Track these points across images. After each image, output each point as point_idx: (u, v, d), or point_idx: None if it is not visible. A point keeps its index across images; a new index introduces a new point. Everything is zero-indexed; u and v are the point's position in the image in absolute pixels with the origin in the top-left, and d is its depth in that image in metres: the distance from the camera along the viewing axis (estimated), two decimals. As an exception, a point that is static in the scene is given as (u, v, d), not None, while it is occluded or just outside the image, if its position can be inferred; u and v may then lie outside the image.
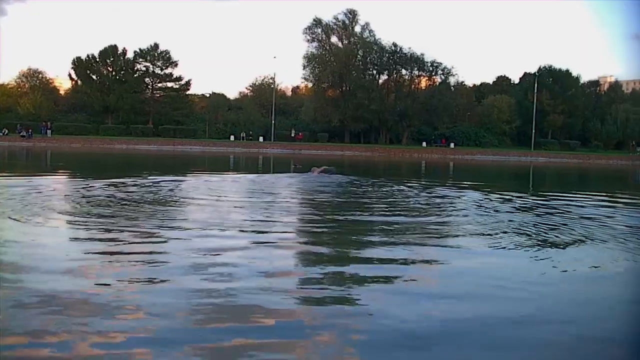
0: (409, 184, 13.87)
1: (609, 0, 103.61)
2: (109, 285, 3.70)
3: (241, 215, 7.30)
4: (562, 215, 8.04)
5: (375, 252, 5.16)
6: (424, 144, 62.48)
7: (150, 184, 11.52)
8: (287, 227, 6.63)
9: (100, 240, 5.40)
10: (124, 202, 8.05)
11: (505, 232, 6.31)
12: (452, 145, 62.97)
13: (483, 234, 6.18)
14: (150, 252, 4.82)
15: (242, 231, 5.96)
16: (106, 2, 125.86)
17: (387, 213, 8.00)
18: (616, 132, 69.20)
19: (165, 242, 5.27)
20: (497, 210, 8.51)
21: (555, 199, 11.17)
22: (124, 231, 5.73)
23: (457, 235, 6.15)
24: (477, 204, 9.33)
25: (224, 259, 4.49)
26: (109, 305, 3.23)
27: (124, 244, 5.13)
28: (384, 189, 12.18)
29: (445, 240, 5.92)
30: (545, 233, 6.30)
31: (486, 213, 8.09)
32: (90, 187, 10.29)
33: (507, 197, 11.36)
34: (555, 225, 6.90)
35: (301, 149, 53.22)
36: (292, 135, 63.20)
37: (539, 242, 5.73)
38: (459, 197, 10.70)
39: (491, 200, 10.22)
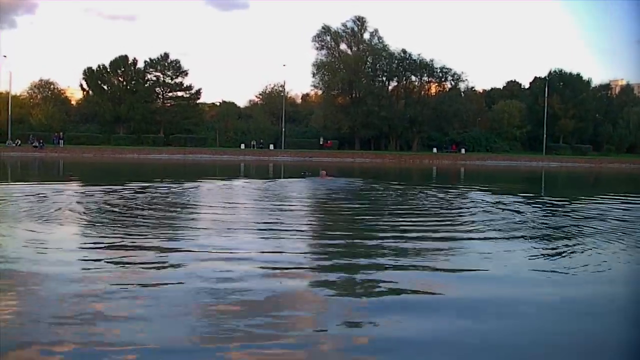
0: (432, 189, 13.71)
1: (618, 4, 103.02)
2: (114, 297, 3.62)
3: (253, 220, 7.20)
4: (601, 220, 7.88)
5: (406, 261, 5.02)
6: (435, 150, 62.10)
7: (162, 190, 11.53)
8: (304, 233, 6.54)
9: (111, 249, 5.22)
10: (135, 209, 8.04)
11: (545, 236, 6.15)
12: (462, 151, 62.52)
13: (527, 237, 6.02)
14: (163, 264, 4.62)
15: (253, 232, 5.93)
16: (116, 13, 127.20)
17: (415, 218, 7.85)
18: (628, 136, 68.49)
19: (178, 250, 5.17)
20: (527, 214, 8.34)
21: (586, 203, 10.97)
22: (136, 239, 5.64)
23: (498, 239, 5.99)
24: (510, 209, 9.17)
25: (235, 284, 4.12)
26: (115, 319, 3.18)
27: (135, 250, 5.05)
28: (407, 195, 12.04)
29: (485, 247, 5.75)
30: (593, 237, 6.12)
31: (517, 217, 7.93)
32: (103, 194, 10.31)
33: (531, 201, 11.18)
34: (602, 230, 6.76)
35: (311, 156, 53.06)
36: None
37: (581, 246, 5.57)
38: (486, 201, 10.53)
39: (519, 204, 10.04)
